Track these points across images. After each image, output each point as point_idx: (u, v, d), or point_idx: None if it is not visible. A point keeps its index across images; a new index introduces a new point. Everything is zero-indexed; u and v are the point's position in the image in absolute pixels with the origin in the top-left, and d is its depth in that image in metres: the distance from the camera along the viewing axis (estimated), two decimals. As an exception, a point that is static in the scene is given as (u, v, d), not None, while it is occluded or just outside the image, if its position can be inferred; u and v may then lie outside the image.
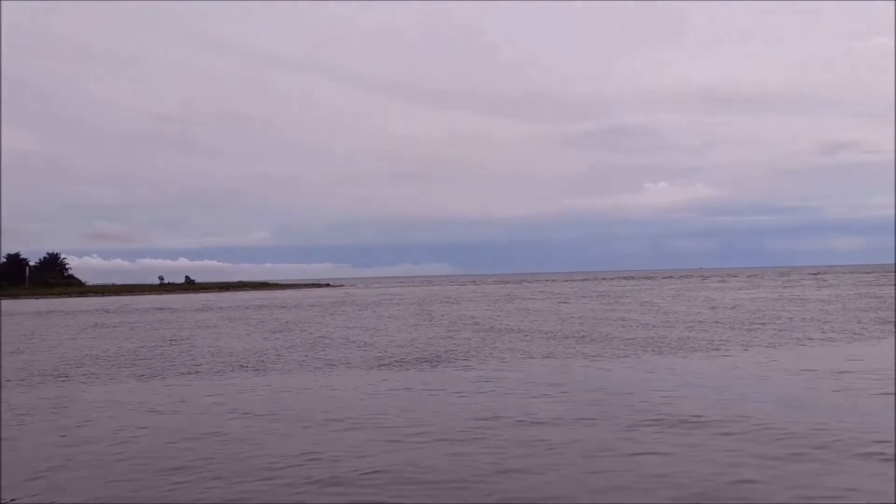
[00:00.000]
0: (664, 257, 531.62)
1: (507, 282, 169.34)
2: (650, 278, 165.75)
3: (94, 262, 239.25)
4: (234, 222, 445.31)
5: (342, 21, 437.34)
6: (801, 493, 9.55)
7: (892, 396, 15.91)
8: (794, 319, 37.81)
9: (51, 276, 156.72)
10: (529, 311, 51.47)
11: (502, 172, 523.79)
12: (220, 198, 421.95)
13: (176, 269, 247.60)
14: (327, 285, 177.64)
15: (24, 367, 25.78)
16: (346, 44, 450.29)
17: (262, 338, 35.21)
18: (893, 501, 8.85)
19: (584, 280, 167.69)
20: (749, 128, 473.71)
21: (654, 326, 35.94)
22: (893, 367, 20.19)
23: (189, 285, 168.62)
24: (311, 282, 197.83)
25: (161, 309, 72.24)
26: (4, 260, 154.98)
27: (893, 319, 36.22)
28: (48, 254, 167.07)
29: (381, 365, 24.04)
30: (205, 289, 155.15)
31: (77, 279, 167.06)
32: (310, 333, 37.03)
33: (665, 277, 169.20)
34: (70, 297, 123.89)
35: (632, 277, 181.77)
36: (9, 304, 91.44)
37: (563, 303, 64.02)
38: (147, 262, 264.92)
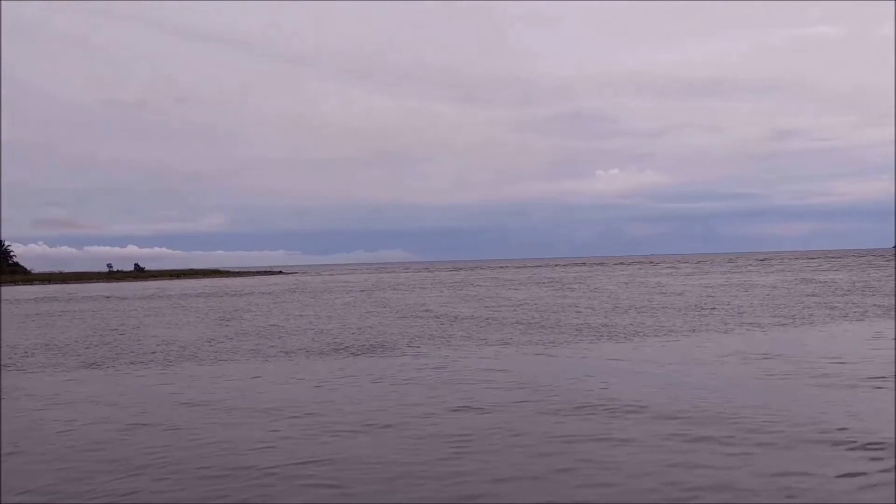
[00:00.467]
0: (616, 243, 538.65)
1: (461, 269, 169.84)
2: (602, 264, 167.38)
3: (40, 249, 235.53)
4: (185, 209, 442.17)
5: (305, 4, 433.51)
6: (739, 476, 9.71)
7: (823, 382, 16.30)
8: (736, 305, 38.41)
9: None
10: (478, 298, 51.63)
11: (457, 158, 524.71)
12: (170, 184, 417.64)
13: (125, 256, 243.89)
14: (280, 273, 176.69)
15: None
16: (308, 27, 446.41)
17: (205, 327, 34.87)
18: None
19: (537, 266, 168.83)
20: (700, 114, 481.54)
21: (603, 313, 36.28)
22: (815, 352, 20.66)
23: (139, 273, 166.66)
24: (263, 269, 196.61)
25: (108, 297, 71.19)
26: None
27: (839, 304, 37.04)
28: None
29: (322, 353, 23.89)
30: (155, 276, 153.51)
31: (22, 267, 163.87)
32: (252, 322, 36.74)
33: (616, 264, 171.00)
34: (15, 285, 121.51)
35: (584, 264, 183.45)
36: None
37: (514, 289, 64.31)
38: (95, 249, 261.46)
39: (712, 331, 27.18)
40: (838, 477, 9.49)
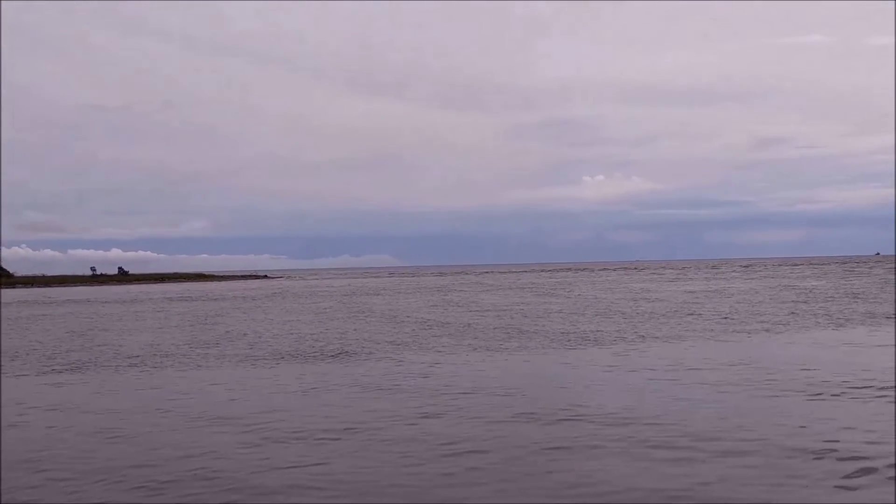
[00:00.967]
0: (602, 249, 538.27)
1: (446, 273, 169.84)
2: (587, 270, 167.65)
3: (23, 252, 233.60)
4: (170, 212, 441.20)
5: (290, 9, 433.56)
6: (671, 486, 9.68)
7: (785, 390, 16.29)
8: (706, 314, 38.48)
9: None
10: (457, 304, 51.61)
11: (444, 164, 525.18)
12: (156, 187, 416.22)
13: (109, 259, 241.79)
14: (265, 277, 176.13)
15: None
16: (290, 34, 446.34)
17: (179, 332, 34.73)
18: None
19: (524, 271, 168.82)
20: (685, 122, 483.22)
21: (571, 318, 36.30)
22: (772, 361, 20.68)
23: (123, 276, 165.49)
24: (248, 273, 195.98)
25: (89, 301, 70.86)
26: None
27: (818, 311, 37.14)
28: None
29: (286, 359, 23.81)
30: (139, 280, 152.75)
31: (5, 270, 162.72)
32: (223, 326, 36.62)
33: (601, 269, 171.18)
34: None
35: (570, 269, 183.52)
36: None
37: (496, 295, 64.29)
38: (79, 252, 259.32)
39: (681, 338, 27.20)
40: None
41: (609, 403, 15.08)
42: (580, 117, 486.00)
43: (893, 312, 35.16)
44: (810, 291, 55.63)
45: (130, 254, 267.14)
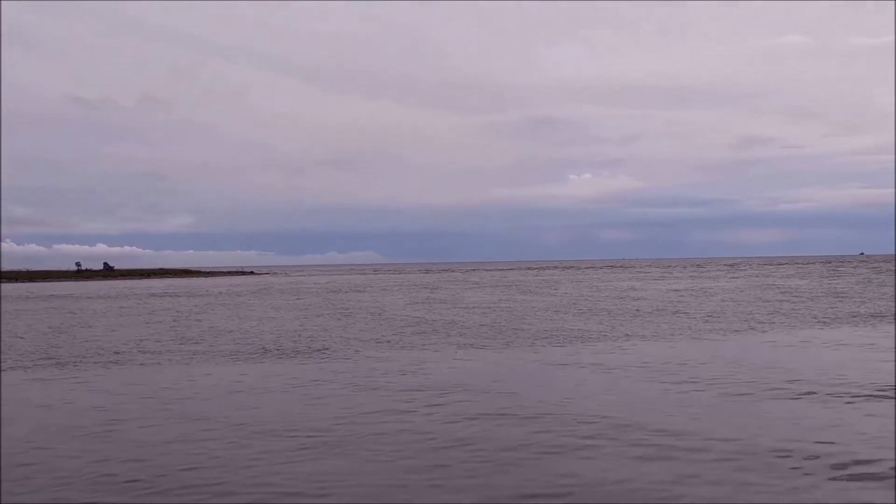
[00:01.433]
0: (589, 247, 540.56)
1: (431, 270, 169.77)
2: (573, 268, 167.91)
3: (7, 247, 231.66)
4: (155, 208, 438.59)
5: (273, 9, 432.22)
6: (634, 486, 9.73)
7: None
8: (690, 312, 38.62)
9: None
10: (439, 301, 51.57)
11: (430, 161, 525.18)
12: (141, 183, 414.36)
13: (94, 255, 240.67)
14: (251, 273, 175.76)
15: None
16: (276, 32, 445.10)
17: (159, 327, 34.58)
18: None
19: (510, 269, 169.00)
20: (671, 122, 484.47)
21: (564, 317, 36.37)
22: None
23: (108, 272, 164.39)
24: (234, 269, 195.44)
25: (72, 296, 70.44)
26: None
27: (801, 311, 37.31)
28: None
29: (268, 356, 23.71)
30: (124, 276, 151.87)
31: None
32: (205, 323, 36.52)
33: (588, 267, 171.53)
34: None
35: (556, 267, 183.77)
36: None
37: (481, 292, 64.29)
38: (64, 247, 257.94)
39: (663, 337, 27.30)
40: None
41: (591, 402, 15.09)
42: (567, 116, 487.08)
43: (877, 312, 35.46)
44: (794, 291, 55.91)
45: (116, 249, 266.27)
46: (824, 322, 31.69)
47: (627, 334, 28.18)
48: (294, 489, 9.89)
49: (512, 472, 10.37)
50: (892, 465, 10.26)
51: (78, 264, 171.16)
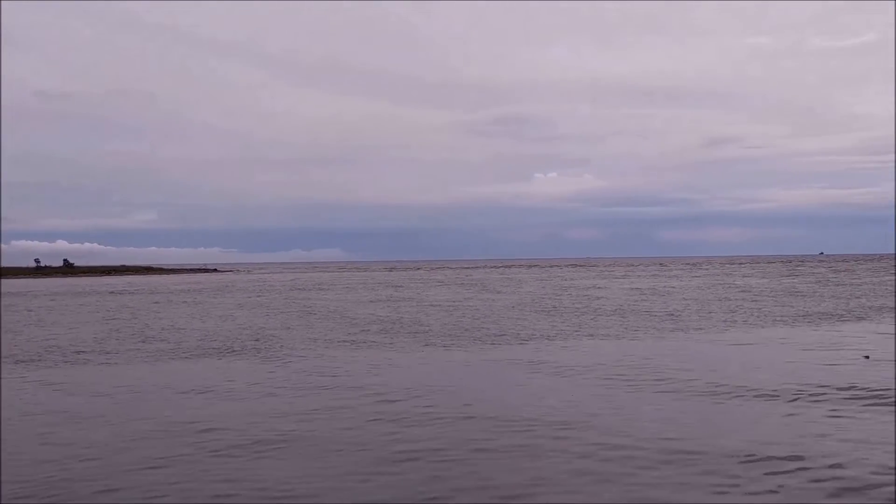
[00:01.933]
0: (554, 246, 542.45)
1: (395, 269, 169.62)
2: (538, 267, 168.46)
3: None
4: (117, 204, 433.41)
5: (254, 4, 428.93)
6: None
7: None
8: (651, 311, 38.89)
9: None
10: (400, 299, 51.49)
11: (399, 159, 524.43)
12: (103, 178, 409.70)
13: (54, 251, 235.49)
14: (215, 270, 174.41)
15: None
16: (255, 24, 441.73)
17: (107, 326, 34.22)
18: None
19: (475, 267, 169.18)
20: (637, 121, 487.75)
21: (525, 316, 36.44)
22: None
23: (68, 269, 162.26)
24: (197, 267, 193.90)
25: (30, 293, 69.48)
26: None
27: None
28: None
29: (215, 355, 23.39)
30: (85, 273, 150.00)
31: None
32: (166, 321, 36.08)
33: (552, 266, 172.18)
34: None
35: (521, 266, 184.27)
36: None
37: (446, 290, 64.30)
38: (22, 243, 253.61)
39: (621, 336, 27.44)
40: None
41: (544, 404, 15.04)
42: (534, 115, 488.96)
43: (830, 311, 35.99)
44: (752, 290, 56.50)
45: (76, 245, 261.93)
46: (782, 321, 31.95)
47: (581, 333, 28.20)
48: (228, 491, 9.81)
49: (446, 474, 10.31)
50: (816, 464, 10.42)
51: (37, 261, 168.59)
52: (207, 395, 16.70)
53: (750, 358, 21.32)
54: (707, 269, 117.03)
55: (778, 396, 15.22)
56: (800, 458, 10.75)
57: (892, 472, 10.05)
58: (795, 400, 14.86)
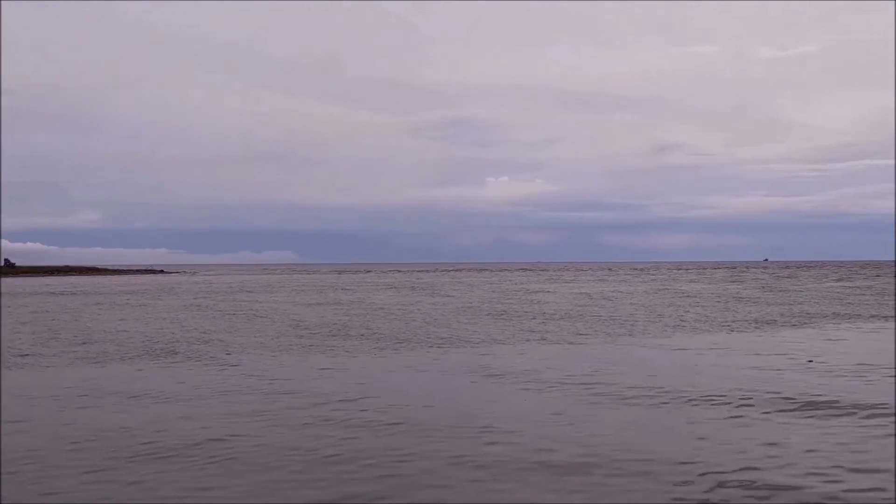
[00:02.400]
0: (504, 250, 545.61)
1: (345, 272, 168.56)
2: (487, 270, 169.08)
3: None
4: (61, 203, 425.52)
5: (196, 3, 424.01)
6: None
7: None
8: (594, 316, 39.09)
9: None
10: (341, 303, 51.14)
11: (351, 160, 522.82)
12: (46, 176, 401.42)
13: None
14: (160, 272, 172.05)
15: None
16: (199, 26, 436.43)
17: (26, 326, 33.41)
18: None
19: (425, 271, 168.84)
20: (587, 126, 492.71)
21: (465, 320, 36.36)
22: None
23: (9, 269, 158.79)
24: (142, 268, 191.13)
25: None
26: None
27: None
28: None
29: (138, 359, 22.78)
30: (26, 273, 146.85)
31: None
32: (82, 323, 35.21)
33: (501, 270, 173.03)
34: None
35: (471, 269, 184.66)
36: None
37: (392, 293, 63.96)
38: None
39: (554, 342, 27.46)
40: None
41: (478, 410, 14.86)
42: (485, 118, 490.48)
43: (773, 317, 36.49)
44: (699, 295, 57.15)
45: (18, 245, 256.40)
46: (728, 326, 32.25)
47: (532, 338, 28.17)
48: (137, 495, 9.51)
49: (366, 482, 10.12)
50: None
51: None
52: (143, 400, 16.21)
53: (694, 363, 21.47)
54: (654, 275, 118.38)
55: (720, 402, 15.23)
56: (735, 465, 10.74)
57: (835, 481, 10.04)
58: (738, 406, 14.89)
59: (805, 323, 33.80)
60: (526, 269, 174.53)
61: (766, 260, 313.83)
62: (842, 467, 10.59)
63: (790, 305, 44.82)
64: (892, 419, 13.45)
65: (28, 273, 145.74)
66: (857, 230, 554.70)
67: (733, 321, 34.72)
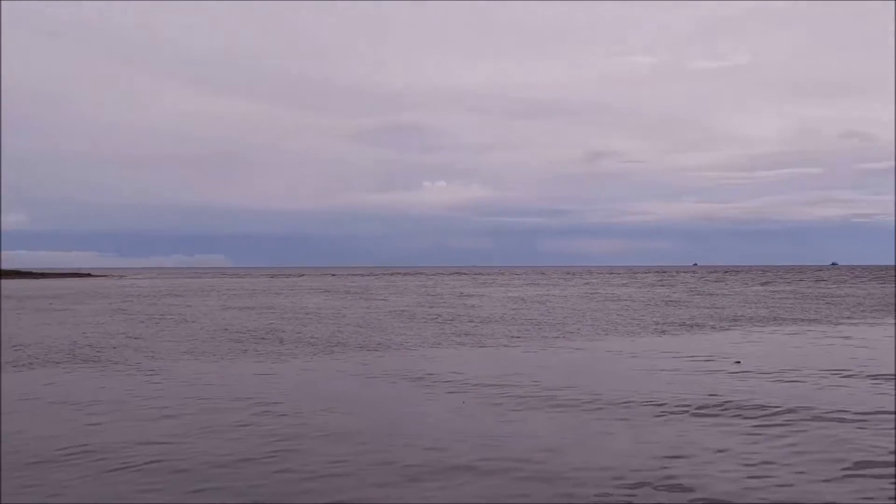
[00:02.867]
0: (441, 254, 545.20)
1: (278, 275, 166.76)
2: (422, 274, 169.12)
3: None
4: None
5: (134, 3, 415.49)
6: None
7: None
8: (525, 319, 39.22)
9: None
10: (267, 307, 50.51)
11: (289, 163, 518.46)
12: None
13: None
14: (88, 275, 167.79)
15: None
16: (141, 22, 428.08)
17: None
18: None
19: (359, 275, 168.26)
20: (524, 133, 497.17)
21: (394, 323, 36.14)
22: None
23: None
24: (69, 271, 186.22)
25: None
26: None
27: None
28: None
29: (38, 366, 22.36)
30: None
31: None
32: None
33: (435, 274, 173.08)
34: None
35: (405, 273, 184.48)
36: None
37: (322, 297, 63.42)
38: None
39: (481, 346, 27.45)
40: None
41: (381, 415, 14.80)
42: (423, 123, 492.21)
43: (701, 320, 37.05)
44: (629, 299, 57.85)
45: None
46: (657, 329, 32.68)
47: (465, 342, 28.14)
48: None
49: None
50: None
51: None
52: (60, 407, 15.67)
53: (627, 365, 21.70)
54: (586, 279, 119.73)
55: (645, 406, 15.35)
56: (650, 467, 10.83)
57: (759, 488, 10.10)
58: (663, 409, 15.05)
59: (732, 326, 34.39)
60: (461, 274, 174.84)
61: (695, 265, 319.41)
62: (752, 465, 10.86)
63: (718, 309, 45.64)
64: (798, 420, 13.82)
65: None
66: (781, 236, 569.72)
67: (664, 324, 35.18)
